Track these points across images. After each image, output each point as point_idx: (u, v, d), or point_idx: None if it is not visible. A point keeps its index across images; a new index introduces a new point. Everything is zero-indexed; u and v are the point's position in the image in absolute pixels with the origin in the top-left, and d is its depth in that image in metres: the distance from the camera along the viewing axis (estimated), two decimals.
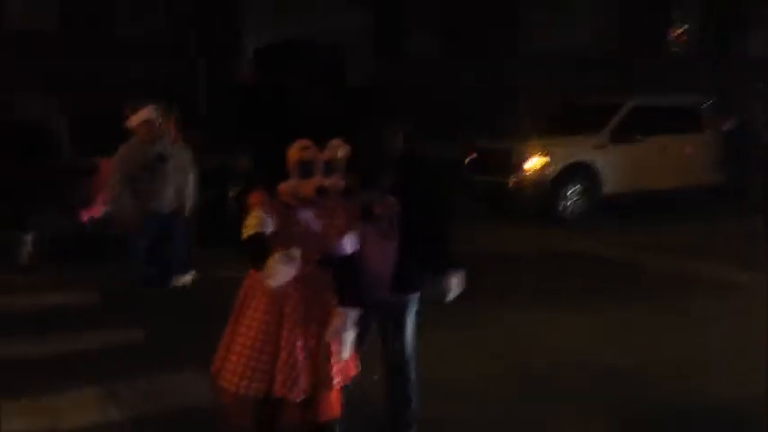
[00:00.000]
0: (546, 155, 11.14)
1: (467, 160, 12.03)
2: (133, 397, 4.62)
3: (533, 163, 11.15)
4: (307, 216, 3.20)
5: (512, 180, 11.18)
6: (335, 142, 3.18)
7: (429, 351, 4.59)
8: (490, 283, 7.53)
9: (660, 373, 4.98)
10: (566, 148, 11.42)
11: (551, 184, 11.07)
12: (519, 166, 11.18)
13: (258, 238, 3.08)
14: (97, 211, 8.27)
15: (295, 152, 3.11)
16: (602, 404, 4.51)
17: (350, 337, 3.21)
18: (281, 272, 2.96)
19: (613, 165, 11.37)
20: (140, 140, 6.35)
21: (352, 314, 3.22)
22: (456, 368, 4.99)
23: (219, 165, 9.80)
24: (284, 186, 3.15)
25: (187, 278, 7.25)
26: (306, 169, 3.11)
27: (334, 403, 3.32)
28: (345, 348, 3.21)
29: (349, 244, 3.27)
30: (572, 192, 11.20)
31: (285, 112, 3.62)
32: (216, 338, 5.32)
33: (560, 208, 11.14)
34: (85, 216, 8.29)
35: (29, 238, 8.15)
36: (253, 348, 3.18)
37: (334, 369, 3.24)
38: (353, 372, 3.40)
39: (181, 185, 6.68)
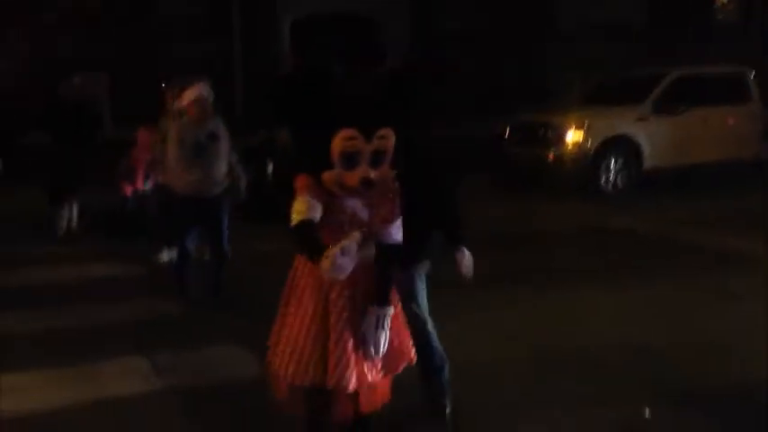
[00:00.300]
0: (586, 128, 10.97)
1: (506, 134, 11.92)
2: (175, 368, 4.70)
3: (573, 136, 10.99)
4: (353, 204, 3.05)
5: (551, 154, 11.05)
6: (385, 132, 2.97)
7: (458, 331, 4.62)
8: (526, 260, 7.53)
9: (690, 352, 4.89)
10: (606, 120, 11.23)
11: (591, 158, 10.90)
12: (558, 140, 11.04)
13: (307, 225, 2.94)
14: (140, 184, 8.38)
15: (339, 142, 2.91)
16: (626, 384, 4.46)
17: (383, 335, 3.06)
18: (342, 265, 2.76)
19: (655, 138, 11.15)
20: (192, 120, 6.02)
21: (386, 313, 3.09)
22: (481, 348, 4.96)
23: (259, 140, 9.88)
24: (328, 176, 2.97)
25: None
26: (351, 160, 2.93)
27: (378, 395, 3.21)
28: (379, 347, 3.06)
29: (396, 232, 3.14)
30: (613, 166, 11.03)
31: (329, 97, 3.37)
32: (256, 312, 5.39)
33: (600, 182, 10.98)
34: (129, 189, 8.40)
35: (71, 210, 8.31)
36: (299, 336, 3.06)
37: (381, 361, 3.13)
38: (405, 361, 3.30)
39: (232, 164, 6.52)
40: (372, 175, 2.94)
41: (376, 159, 2.95)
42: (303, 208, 2.96)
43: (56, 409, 4.11)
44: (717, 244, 7.83)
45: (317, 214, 2.96)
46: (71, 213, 8.32)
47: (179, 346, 5.08)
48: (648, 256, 7.54)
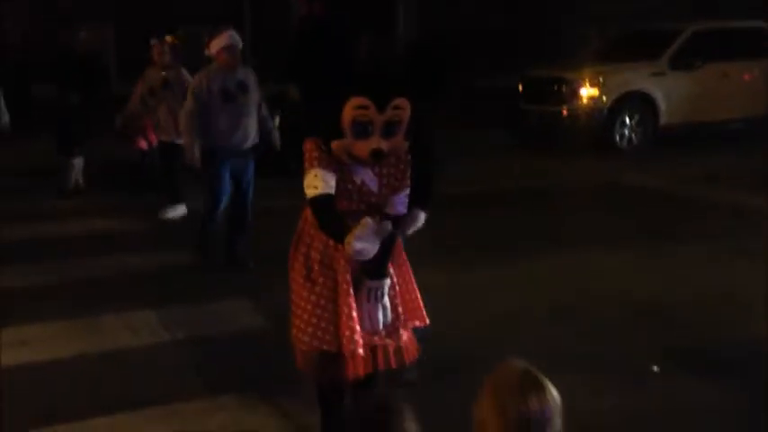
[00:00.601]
0: (601, 83, 10.78)
1: (520, 89, 11.73)
2: (182, 321, 4.67)
3: (588, 92, 10.81)
4: (363, 174, 2.89)
5: (565, 110, 10.88)
6: (400, 102, 2.77)
7: (473, 286, 4.58)
8: (539, 217, 7.44)
9: (703, 309, 4.84)
10: (622, 75, 11.03)
11: (606, 114, 10.73)
12: (573, 96, 10.86)
13: (326, 201, 2.81)
14: (153, 138, 8.28)
15: (350, 111, 2.73)
16: (637, 340, 4.40)
17: (378, 308, 2.92)
18: (362, 250, 2.65)
19: (671, 93, 10.95)
20: (220, 67, 5.61)
21: (379, 286, 2.93)
22: (495, 303, 4.91)
23: (268, 94, 9.74)
24: (337, 144, 2.79)
25: None
26: (362, 130, 2.75)
27: (393, 353, 3.05)
28: (376, 320, 2.93)
29: (403, 204, 2.99)
30: (628, 122, 10.86)
31: (342, 57, 3.06)
32: (264, 265, 5.37)
33: (615, 139, 10.83)
34: (143, 143, 8.29)
35: (78, 163, 8.23)
36: (308, 302, 2.94)
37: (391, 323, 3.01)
38: (416, 320, 3.15)
39: (264, 118, 6.02)
40: (384, 146, 2.77)
41: (389, 130, 2.77)
42: (317, 183, 2.81)
43: (61, 361, 4.11)
44: (732, 201, 7.70)
45: (333, 186, 2.83)
46: (79, 167, 8.24)
47: (186, 299, 5.05)
48: (662, 214, 7.44)
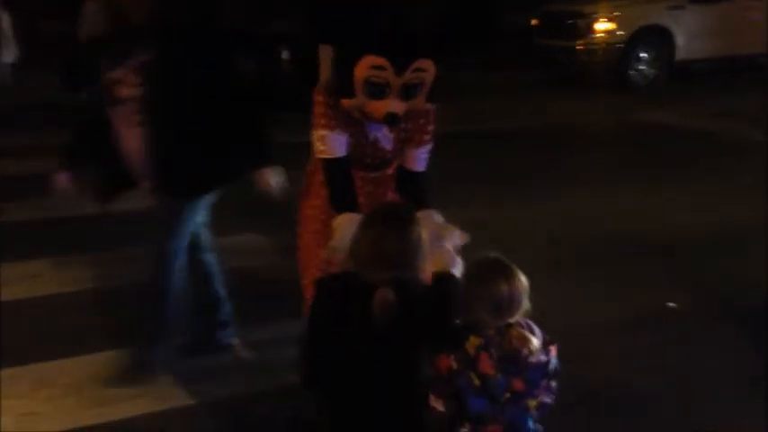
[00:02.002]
0: (617, 17, 10.55)
1: (534, 24, 11.50)
2: None
3: (603, 26, 10.60)
4: (377, 131, 2.67)
5: (581, 45, 10.68)
6: (422, 64, 2.44)
7: (492, 222, 4.56)
8: (553, 154, 7.37)
9: (716, 246, 4.82)
10: (638, 9, 10.79)
11: (623, 49, 10.54)
12: (588, 30, 10.65)
13: (332, 165, 2.61)
14: None
15: (363, 69, 2.42)
16: (649, 276, 4.42)
17: None
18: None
19: (689, 28, 10.74)
20: None
21: None
22: (506, 237, 4.90)
23: (271, 31, 9.60)
24: (348, 102, 2.52)
25: None
26: (376, 91, 2.45)
27: None
28: None
29: (421, 161, 2.79)
30: (644, 57, 10.66)
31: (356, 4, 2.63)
32: (273, 203, 5.32)
33: (631, 74, 10.66)
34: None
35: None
36: (318, 245, 2.82)
37: None
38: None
39: None
40: (399, 109, 2.49)
41: (408, 92, 2.48)
42: (323, 146, 2.60)
43: (58, 295, 4.13)
44: (751, 137, 7.61)
45: (343, 148, 2.61)
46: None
47: None
48: (678, 150, 7.36)
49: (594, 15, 10.62)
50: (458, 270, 2.25)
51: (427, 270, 2.15)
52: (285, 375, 3.24)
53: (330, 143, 2.60)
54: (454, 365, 2.02)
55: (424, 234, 2.07)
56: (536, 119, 8.95)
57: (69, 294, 4.13)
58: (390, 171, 2.88)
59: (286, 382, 3.22)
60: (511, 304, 2.03)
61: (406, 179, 2.79)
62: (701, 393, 3.21)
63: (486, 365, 2.00)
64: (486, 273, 2.08)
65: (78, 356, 3.45)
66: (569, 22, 10.80)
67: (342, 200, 2.59)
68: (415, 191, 2.73)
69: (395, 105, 2.46)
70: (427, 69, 2.46)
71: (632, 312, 3.94)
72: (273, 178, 3.15)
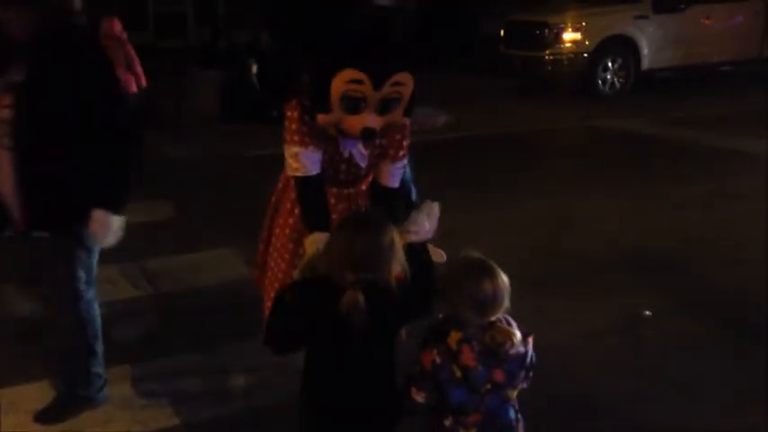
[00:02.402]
0: (584, 27, 10.65)
1: (501, 34, 11.56)
2: (164, 272, 4.61)
3: (570, 36, 10.68)
4: (352, 147, 2.59)
5: (547, 54, 10.75)
6: (402, 78, 2.37)
7: (462, 229, 4.54)
8: (520, 161, 7.40)
9: (687, 250, 4.85)
10: (604, 19, 10.88)
11: (589, 58, 10.63)
12: (555, 40, 10.72)
13: (304, 183, 2.52)
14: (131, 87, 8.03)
15: (340, 84, 2.34)
16: (623, 281, 4.43)
17: None
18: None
19: (655, 37, 10.85)
20: None
21: None
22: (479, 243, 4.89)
23: (243, 41, 9.56)
24: (323, 118, 2.43)
25: None
26: (353, 105, 2.37)
27: None
28: None
29: (396, 177, 2.73)
30: (610, 66, 10.77)
31: (331, 16, 2.38)
32: (243, 215, 5.27)
33: (598, 83, 10.75)
34: (133, 85, 8.03)
35: None
36: (287, 266, 2.78)
37: None
38: None
39: None
40: (376, 123, 2.41)
41: (385, 107, 2.41)
42: (296, 164, 2.51)
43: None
44: (716, 144, 7.69)
45: (317, 166, 2.52)
46: None
47: (168, 250, 4.98)
48: (645, 157, 7.42)
49: (561, 26, 10.69)
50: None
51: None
52: (258, 397, 3.20)
53: (303, 161, 2.52)
54: (437, 360, 2.08)
55: (396, 239, 2.07)
56: (505, 125, 8.97)
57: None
58: (364, 187, 2.83)
59: (259, 403, 3.18)
60: (494, 303, 2.08)
61: (380, 195, 2.74)
62: (683, 398, 3.21)
63: (468, 358, 2.06)
64: (472, 272, 2.12)
65: (48, 379, 3.35)
66: (536, 32, 10.86)
67: (314, 218, 2.53)
68: (389, 207, 2.66)
69: (371, 120, 2.40)
70: (405, 83, 2.41)
71: (605, 321, 3.93)
72: (106, 224, 2.84)
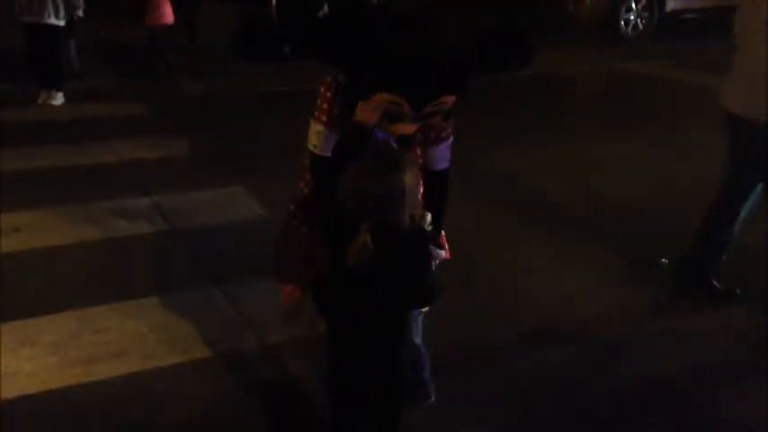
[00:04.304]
0: None
1: None
2: (178, 208, 4.60)
3: None
4: (384, 136, 2.39)
5: None
6: (444, 98, 2.22)
7: (465, 180, 4.52)
8: (539, 106, 7.31)
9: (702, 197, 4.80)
10: None
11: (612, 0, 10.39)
12: None
13: (321, 163, 2.44)
14: (168, 17, 8.06)
15: (379, 100, 2.19)
16: (631, 231, 4.40)
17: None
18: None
19: None
20: None
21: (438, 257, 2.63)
22: (483, 195, 4.87)
23: None
24: (361, 114, 2.26)
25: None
26: (391, 117, 2.24)
27: None
28: None
29: (444, 158, 2.60)
30: (634, 7, 10.51)
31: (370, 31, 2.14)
32: (258, 152, 5.24)
33: (620, 25, 10.51)
34: (154, 22, 8.05)
35: (71, 46, 7.95)
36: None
37: None
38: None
39: None
40: (413, 130, 2.29)
41: (425, 119, 2.27)
42: (317, 141, 2.44)
43: (56, 249, 4.04)
44: None
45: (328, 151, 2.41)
46: (72, 50, 7.96)
47: (182, 186, 4.97)
48: (666, 102, 7.30)
49: None
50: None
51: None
52: (271, 332, 3.21)
53: (324, 142, 2.43)
54: None
55: (410, 180, 2.01)
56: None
57: (54, 249, 4.04)
58: None
59: (272, 339, 3.20)
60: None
61: (431, 179, 2.57)
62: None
63: None
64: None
65: (63, 312, 3.38)
66: None
67: (327, 198, 2.35)
68: (435, 192, 2.55)
69: (408, 128, 2.27)
70: (448, 101, 2.26)
71: (623, 268, 3.92)
72: None
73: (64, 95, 7.11)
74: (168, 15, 8.07)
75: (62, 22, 6.94)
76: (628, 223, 4.49)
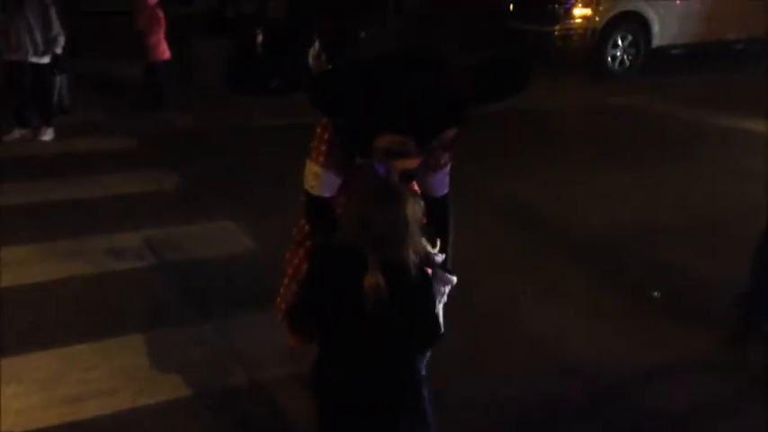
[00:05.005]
0: (595, 3, 10.52)
1: (510, 8, 11.44)
2: (167, 243, 4.58)
3: (580, 11, 10.55)
4: (385, 171, 2.37)
5: (557, 29, 10.63)
6: (448, 133, 2.25)
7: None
8: (525, 137, 7.36)
9: (691, 229, 4.84)
10: None
11: (599, 35, 10.50)
12: (565, 15, 10.59)
13: (317, 204, 2.44)
14: (167, 53, 8.14)
15: (382, 142, 2.21)
16: (626, 262, 4.41)
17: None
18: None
19: (665, 14, 10.71)
20: None
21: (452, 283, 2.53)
22: (482, 223, 4.88)
23: (249, 10, 9.47)
24: (362, 161, 2.32)
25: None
26: (394, 155, 2.24)
27: None
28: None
29: (443, 184, 2.60)
30: (620, 43, 10.65)
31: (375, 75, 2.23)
32: (248, 187, 5.24)
33: (607, 60, 10.63)
34: (153, 58, 8.12)
35: (62, 81, 7.96)
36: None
37: None
38: None
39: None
40: (416, 164, 2.29)
41: (427, 151, 2.30)
42: (314, 183, 2.41)
43: (43, 285, 4.01)
44: (725, 123, 7.62)
45: (331, 190, 2.43)
46: (63, 84, 7.98)
47: (172, 220, 4.95)
48: (653, 135, 7.36)
49: (571, 1, 10.56)
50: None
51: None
52: (261, 368, 3.18)
53: (321, 182, 2.42)
54: None
55: (414, 212, 2.00)
56: (510, 102, 8.85)
57: (42, 284, 4.01)
58: None
59: (263, 375, 3.17)
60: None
61: (430, 206, 2.52)
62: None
63: None
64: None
65: (51, 349, 3.34)
66: (546, 6, 10.73)
67: (323, 229, 2.45)
68: (438, 218, 2.55)
69: (411, 163, 2.27)
70: (450, 134, 2.28)
71: (614, 302, 3.91)
72: None
73: (54, 131, 7.10)
74: (166, 51, 8.16)
75: (46, 59, 6.94)
76: (615, 256, 4.49)
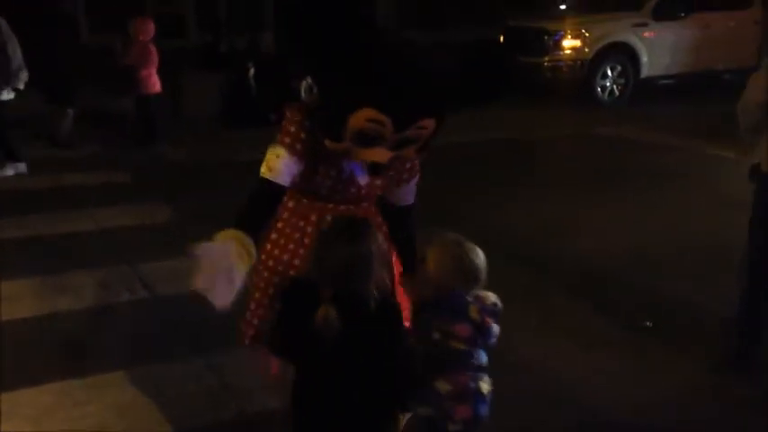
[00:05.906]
0: (584, 34, 10.65)
1: (502, 40, 11.57)
2: (159, 277, 4.57)
3: (570, 43, 10.68)
4: (355, 168, 2.36)
5: (547, 60, 10.75)
6: (427, 123, 2.19)
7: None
8: (516, 167, 7.40)
9: (681, 259, 4.87)
10: (604, 26, 10.87)
11: (588, 65, 10.62)
12: (555, 46, 10.72)
13: (265, 189, 2.30)
14: (158, 86, 8.18)
15: (359, 120, 2.11)
16: (619, 291, 4.44)
17: None
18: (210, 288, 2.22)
19: (654, 45, 10.85)
20: None
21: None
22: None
23: (243, 44, 9.55)
24: (332, 144, 2.21)
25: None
26: (368, 141, 2.16)
27: None
28: None
29: (411, 193, 2.56)
30: (609, 73, 10.77)
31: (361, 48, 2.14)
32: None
33: (597, 90, 10.75)
34: (145, 91, 8.17)
35: (70, 113, 8.00)
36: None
37: None
38: None
39: None
40: (387, 158, 2.21)
41: (401, 145, 2.21)
42: (273, 165, 2.26)
43: (35, 318, 4.01)
44: (713, 152, 7.68)
45: (289, 178, 2.29)
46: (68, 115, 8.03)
47: (163, 254, 4.93)
48: (642, 165, 7.41)
49: (560, 32, 10.70)
50: None
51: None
52: (253, 403, 3.17)
53: (283, 165, 2.28)
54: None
55: (376, 248, 2.06)
56: (500, 132, 8.95)
57: (32, 319, 4.00)
58: (365, 204, 2.56)
59: (254, 408, 3.15)
60: (479, 274, 2.36)
61: (394, 215, 2.57)
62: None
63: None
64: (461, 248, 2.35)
65: (41, 385, 3.32)
66: (536, 38, 10.85)
67: (247, 219, 2.36)
68: (404, 226, 2.58)
69: (382, 155, 2.20)
70: (429, 127, 2.22)
71: (607, 332, 3.92)
72: None
73: (28, 166, 7.08)
74: (157, 84, 8.19)
75: (7, 96, 6.83)
76: (608, 285, 4.51)
